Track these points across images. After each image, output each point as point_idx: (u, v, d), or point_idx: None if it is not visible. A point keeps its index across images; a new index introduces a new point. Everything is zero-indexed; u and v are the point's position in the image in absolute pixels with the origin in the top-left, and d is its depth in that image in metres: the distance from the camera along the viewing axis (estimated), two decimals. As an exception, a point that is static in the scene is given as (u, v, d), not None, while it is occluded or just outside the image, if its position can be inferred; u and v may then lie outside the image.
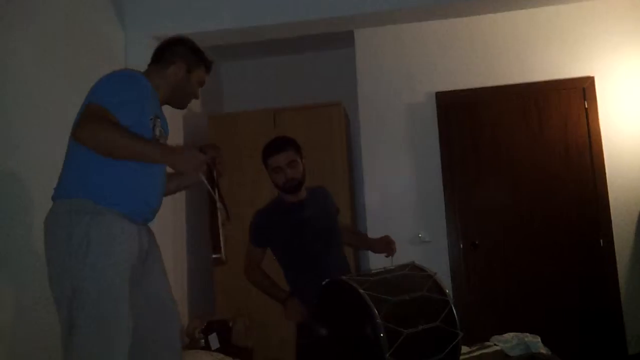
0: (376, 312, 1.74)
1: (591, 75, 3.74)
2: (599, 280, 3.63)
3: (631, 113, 3.70)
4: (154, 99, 1.93)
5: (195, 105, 3.72)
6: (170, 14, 3.45)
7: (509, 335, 2.47)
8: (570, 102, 3.76)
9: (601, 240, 3.63)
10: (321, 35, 3.90)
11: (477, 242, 3.76)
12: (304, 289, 2.37)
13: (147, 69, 2.05)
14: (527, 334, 2.46)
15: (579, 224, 3.69)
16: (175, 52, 2.04)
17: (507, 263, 3.74)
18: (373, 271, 2.11)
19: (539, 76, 3.80)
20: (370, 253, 3.00)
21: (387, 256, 2.48)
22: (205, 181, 1.91)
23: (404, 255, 2.36)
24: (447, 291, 1.96)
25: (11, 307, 2.29)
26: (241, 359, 3.17)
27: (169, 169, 1.94)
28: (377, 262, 2.60)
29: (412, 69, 3.96)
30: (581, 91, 3.74)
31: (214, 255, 2.03)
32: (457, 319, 1.88)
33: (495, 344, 2.44)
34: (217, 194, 1.96)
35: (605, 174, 3.65)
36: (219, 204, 1.98)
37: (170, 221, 3.44)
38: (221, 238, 2.01)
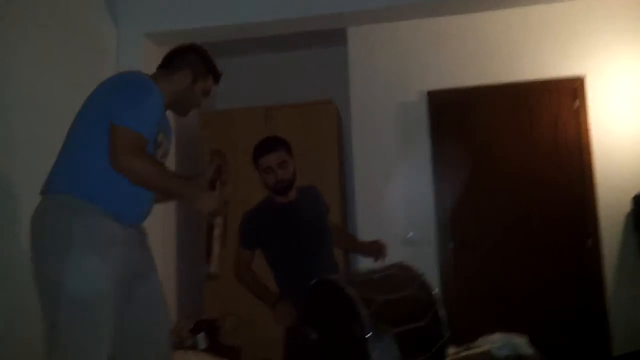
0: (363, 311, 1.73)
1: (583, 74, 3.74)
2: (585, 281, 3.63)
3: (621, 113, 3.70)
4: (162, 106, 1.92)
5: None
6: (163, 12, 3.44)
7: (496, 336, 2.47)
8: (561, 102, 3.76)
9: (589, 241, 3.63)
10: (314, 33, 3.90)
11: (466, 242, 3.76)
12: (294, 289, 2.36)
13: (155, 72, 2.02)
14: (515, 334, 2.47)
15: (566, 224, 3.69)
16: (185, 59, 2.02)
17: (496, 263, 3.73)
18: (361, 271, 2.11)
19: (531, 75, 3.79)
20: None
21: (375, 260, 2.49)
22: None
23: (394, 254, 2.37)
24: (435, 291, 1.96)
25: (11, 308, 2.29)
26: (229, 358, 3.16)
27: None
28: (366, 262, 2.59)
29: (404, 67, 3.95)
30: (572, 91, 3.75)
31: (208, 270, 2.01)
32: (444, 319, 1.89)
33: (482, 345, 2.44)
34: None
35: (593, 174, 3.65)
36: (217, 219, 1.96)
37: (160, 220, 3.42)
38: (213, 251, 1.97)
